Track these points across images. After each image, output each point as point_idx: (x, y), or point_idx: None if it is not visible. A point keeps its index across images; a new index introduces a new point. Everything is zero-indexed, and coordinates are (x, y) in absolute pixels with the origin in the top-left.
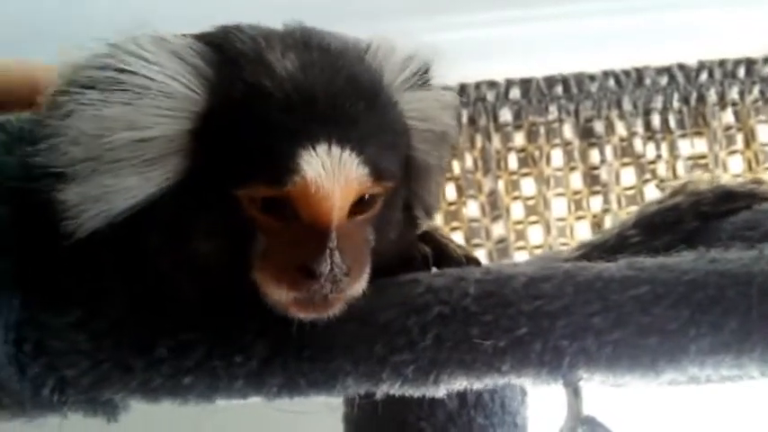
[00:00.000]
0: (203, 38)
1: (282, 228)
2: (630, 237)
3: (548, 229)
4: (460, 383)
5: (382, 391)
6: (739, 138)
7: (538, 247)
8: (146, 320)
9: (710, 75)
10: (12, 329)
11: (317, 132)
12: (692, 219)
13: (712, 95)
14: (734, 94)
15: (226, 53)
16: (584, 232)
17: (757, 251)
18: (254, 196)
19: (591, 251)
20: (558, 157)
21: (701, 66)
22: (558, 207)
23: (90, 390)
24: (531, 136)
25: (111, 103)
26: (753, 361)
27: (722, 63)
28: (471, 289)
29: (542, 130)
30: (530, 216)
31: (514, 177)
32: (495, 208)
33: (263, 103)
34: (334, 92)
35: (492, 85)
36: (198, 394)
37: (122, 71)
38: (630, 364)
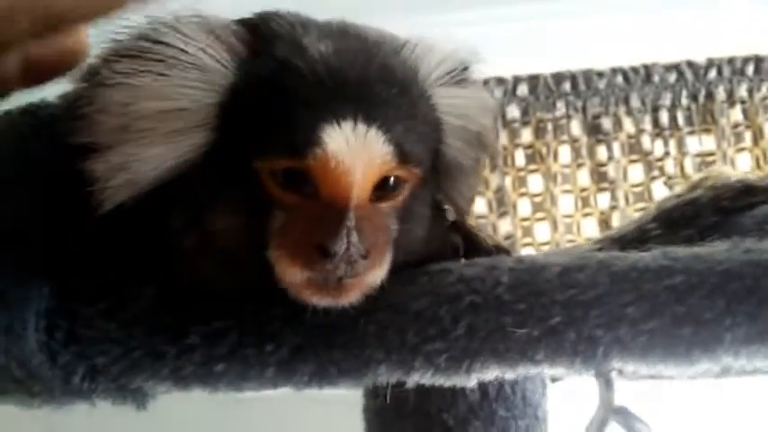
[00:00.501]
0: (243, 21)
1: (301, 204)
2: (650, 230)
3: (555, 226)
4: (493, 373)
5: (414, 380)
6: (747, 135)
7: (545, 243)
8: (177, 307)
9: (719, 72)
10: (43, 317)
11: (344, 108)
12: (711, 213)
13: (721, 93)
14: (743, 91)
15: (261, 34)
16: (591, 229)
17: None
18: (275, 168)
19: (609, 246)
20: (565, 153)
21: (710, 63)
22: (566, 204)
23: (120, 377)
24: (539, 132)
25: (143, 73)
26: None
27: (731, 60)
28: (504, 278)
29: (550, 126)
30: (537, 213)
31: (522, 174)
32: (502, 204)
33: (292, 79)
34: (365, 76)
35: (500, 81)
36: (228, 382)
37: (156, 42)
38: (665, 354)
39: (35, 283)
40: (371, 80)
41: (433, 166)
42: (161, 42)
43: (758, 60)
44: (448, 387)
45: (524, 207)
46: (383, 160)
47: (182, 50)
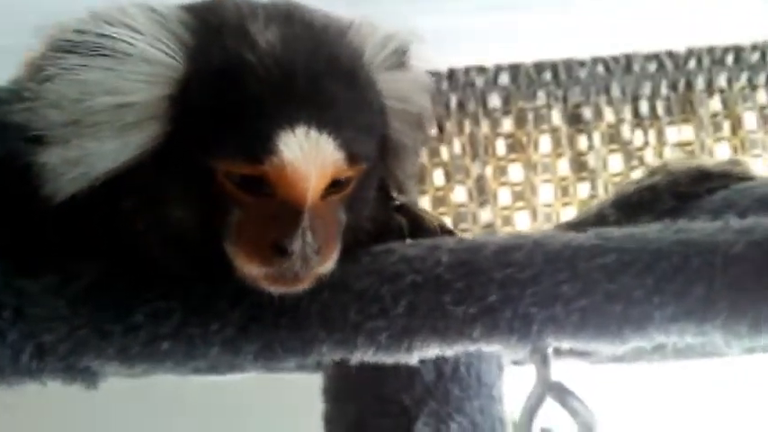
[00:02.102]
0: (190, 8)
1: (256, 204)
2: (608, 216)
3: (534, 215)
4: (433, 350)
5: (356, 358)
6: (726, 125)
7: None
8: (123, 286)
9: (699, 62)
10: None
11: (297, 113)
12: (670, 198)
13: (700, 83)
14: (722, 81)
15: (209, 22)
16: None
17: (722, 222)
18: (231, 171)
19: (566, 230)
20: (546, 143)
21: (690, 53)
22: (546, 193)
23: (68, 356)
24: (520, 122)
25: (92, 68)
26: (716, 328)
27: (710, 50)
28: (444, 257)
29: (531, 115)
30: (517, 202)
31: (502, 163)
32: (482, 193)
33: (242, 74)
34: (314, 70)
35: (481, 70)
36: (175, 361)
37: (103, 36)
38: (597, 331)
39: None
40: (320, 74)
41: (379, 150)
42: (106, 36)
43: (737, 50)
44: (404, 369)
45: (504, 196)
46: (334, 165)
47: (128, 43)
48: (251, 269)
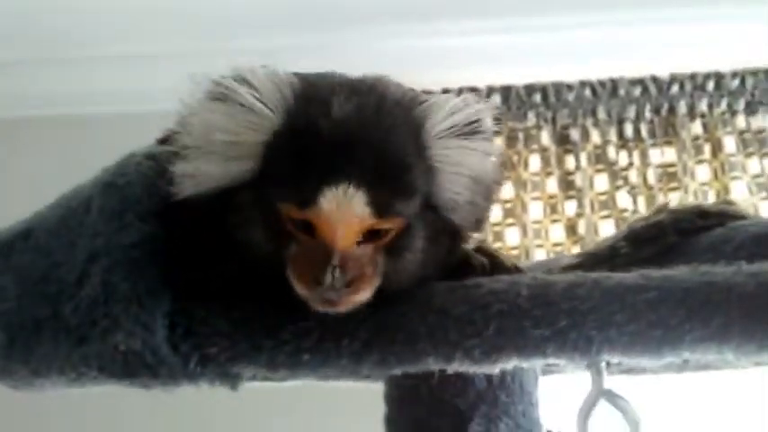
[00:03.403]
0: (304, 76)
1: (306, 241)
2: (620, 248)
3: (524, 232)
4: (513, 363)
5: (453, 368)
6: (707, 148)
7: (514, 248)
8: (273, 310)
9: (681, 87)
10: (167, 317)
11: (343, 172)
12: (673, 234)
13: (682, 107)
14: (703, 106)
15: (307, 89)
16: (558, 235)
17: (736, 266)
18: (289, 214)
19: (586, 259)
20: (535, 162)
21: (673, 78)
22: (535, 210)
23: (225, 364)
24: (510, 141)
25: (217, 111)
26: (731, 349)
27: (693, 76)
28: (524, 291)
29: (521, 135)
30: (507, 218)
31: None
32: None
33: (313, 136)
34: (370, 138)
35: (473, 91)
36: (311, 369)
37: (229, 89)
38: (641, 350)
39: (162, 291)
40: (375, 143)
41: (431, 203)
42: (231, 89)
43: (718, 77)
44: (459, 377)
45: (495, 213)
46: (362, 217)
47: (244, 96)
48: (301, 291)
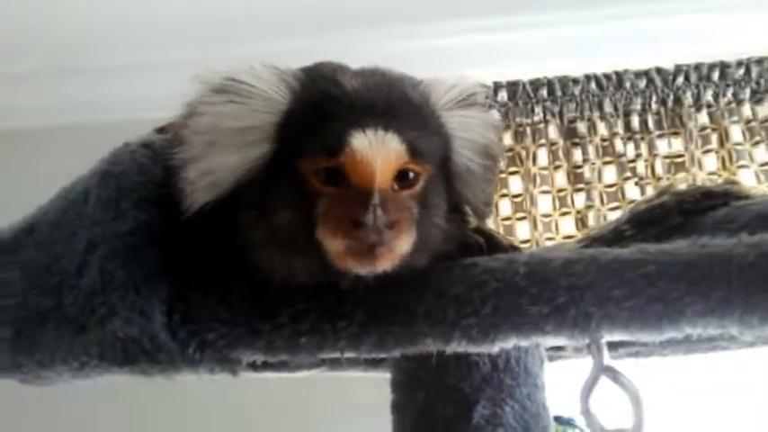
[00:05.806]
0: (303, 68)
1: (338, 193)
2: (624, 231)
3: (534, 225)
4: (512, 342)
5: (452, 348)
6: (714, 138)
7: (525, 241)
8: (269, 293)
9: (686, 78)
10: (164, 303)
11: (368, 120)
12: (677, 215)
13: (688, 98)
14: (708, 96)
15: (311, 74)
16: (568, 227)
17: (737, 238)
18: (317, 167)
19: (591, 243)
20: (543, 156)
21: (678, 69)
22: (544, 204)
23: (223, 349)
24: (518, 136)
25: (226, 102)
26: (733, 322)
27: (698, 67)
28: (520, 269)
29: (528, 130)
30: (517, 212)
31: (502, 176)
32: None
33: (328, 102)
34: (386, 100)
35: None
36: (308, 352)
37: (236, 81)
38: (641, 325)
39: (159, 277)
40: (391, 103)
41: (447, 173)
42: (238, 81)
43: (723, 67)
44: (464, 361)
45: (505, 207)
46: (397, 154)
47: (252, 86)
48: (336, 245)
